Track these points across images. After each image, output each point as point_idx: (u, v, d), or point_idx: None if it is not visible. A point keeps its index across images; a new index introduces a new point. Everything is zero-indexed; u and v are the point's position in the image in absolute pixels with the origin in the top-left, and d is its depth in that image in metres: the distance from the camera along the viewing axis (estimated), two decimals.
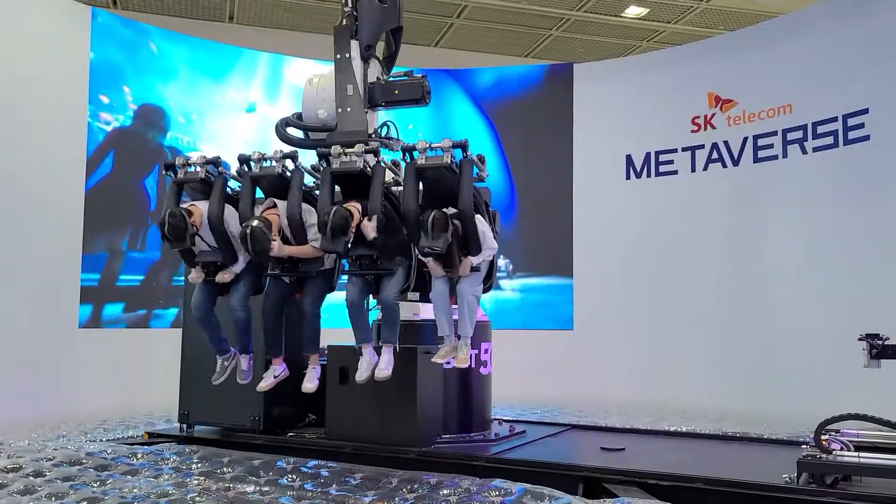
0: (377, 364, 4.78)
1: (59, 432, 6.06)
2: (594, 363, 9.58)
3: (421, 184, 4.73)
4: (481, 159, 4.86)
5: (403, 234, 4.77)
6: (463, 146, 4.62)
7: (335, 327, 9.61)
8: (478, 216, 4.76)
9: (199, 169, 4.93)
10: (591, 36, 11.37)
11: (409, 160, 4.68)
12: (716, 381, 8.72)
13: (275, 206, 4.89)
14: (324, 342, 5.74)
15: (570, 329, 10.08)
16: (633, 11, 10.66)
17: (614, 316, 9.70)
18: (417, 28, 11.20)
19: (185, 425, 5.82)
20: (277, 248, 4.62)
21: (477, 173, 4.78)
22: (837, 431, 4.20)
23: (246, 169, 4.95)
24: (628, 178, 10.03)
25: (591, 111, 10.29)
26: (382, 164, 4.84)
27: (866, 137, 7.78)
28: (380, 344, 4.90)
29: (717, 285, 8.99)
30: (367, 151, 4.75)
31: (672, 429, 6.35)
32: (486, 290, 5.28)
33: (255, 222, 4.52)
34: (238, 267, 4.89)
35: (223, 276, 4.84)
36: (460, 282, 4.76)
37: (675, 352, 9.16)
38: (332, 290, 5.17)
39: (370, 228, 4.46)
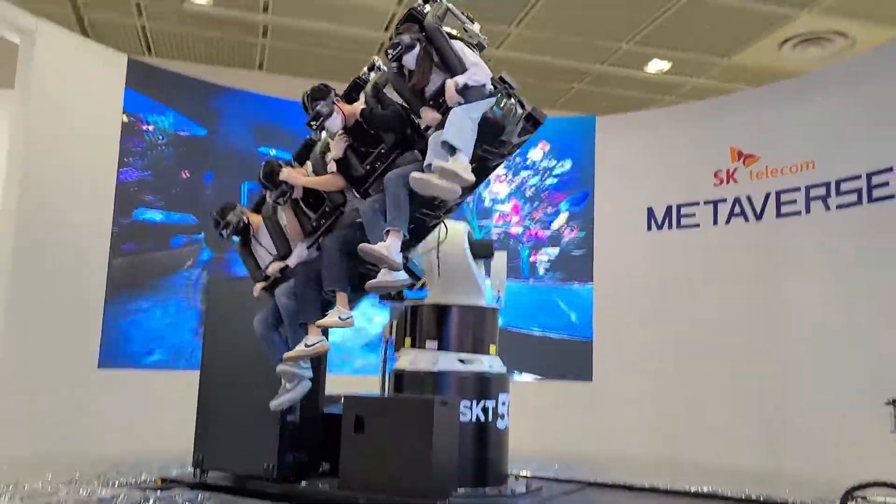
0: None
1: (72, 475, 6.04)
2: (613, 417, 9.44)
3: None
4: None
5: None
6: None
7: (348, 373, 9.68)
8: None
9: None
10: (614, 89, 11.49)
11: None
12: (737, 439, 8.53)
13: None
14: (339, 389, 5.75)
15: (589, 381, 9.95)
16: (655, 66, 10.78)
17: (634, 368, 9.57)
18: None
19: (198, 470, 5.79)
20: (286, 172, 4.77)
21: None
22: (864, 498, 4.08)
23: None
24: (649, 229, 10.01)
25: (613, 163, 10.33)
26: None
27: (891, 196, 7.72)
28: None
29: (739, 341, 8.85)
30: None
31: (693, 489, 6.20)
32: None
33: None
34: (292, 261, 4.87)
35: (273, 268, 4.86)
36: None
37: (695, 408, 9.00)
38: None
39: None
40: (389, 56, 4.37)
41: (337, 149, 4.63)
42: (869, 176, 7.95)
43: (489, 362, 5.66)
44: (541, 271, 10.51)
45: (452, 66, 4.26)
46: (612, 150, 10.35)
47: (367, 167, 4.57)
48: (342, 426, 5.20)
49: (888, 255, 7.64)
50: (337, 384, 6.15)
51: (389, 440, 4.92)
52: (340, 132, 4.66)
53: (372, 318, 9.66)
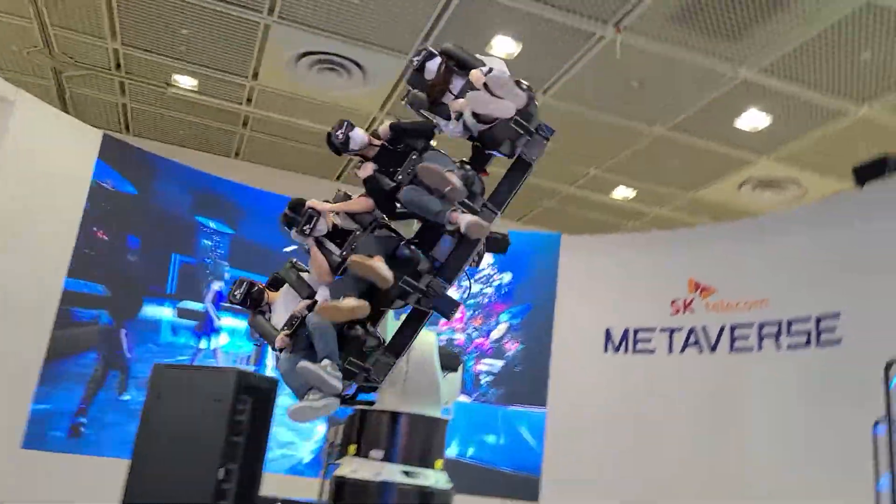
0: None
1: None
2: None
3: None
4: None
5: None
6: None
7: (289, 473, 9.32)
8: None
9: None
10: (581, 210, 11.83)
11: None
12: None
13: None
14: (277, 490, 5.53)
15: (535, 502, 9.69)
16: (621, 193, 11.17)
17: (583, 489, 9.37)
18: None
19: None
20: (313, 202, 4.58)
21: None
22: None
23: None
24: (606, 351, 10.07)
25: (575, 282, 10.49)
26: None
27: (838, 341, 7.93)
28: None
29: (689, 470, 8.77)
30: None
31: None
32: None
33: None
34: (319, 296, 4.62)
35: (301, 305, 4.57)
36: None
37: None
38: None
39: None
40: (414, 62, 4.65)
41: (365, 170, 4.71)
42: (818, 319, 8.18)
43: (435, 477, 5.49)
44: (483, 384, 10.41)
45: (472, 65, 4.59)
46: (575, 269, 10.54)
47: (397, 179, 4.63)
48: None
49: (832, 397, 7.74)
50: (276, 484, 5.91)
51: None
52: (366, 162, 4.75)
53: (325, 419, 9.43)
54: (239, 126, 10.48)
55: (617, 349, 9.99)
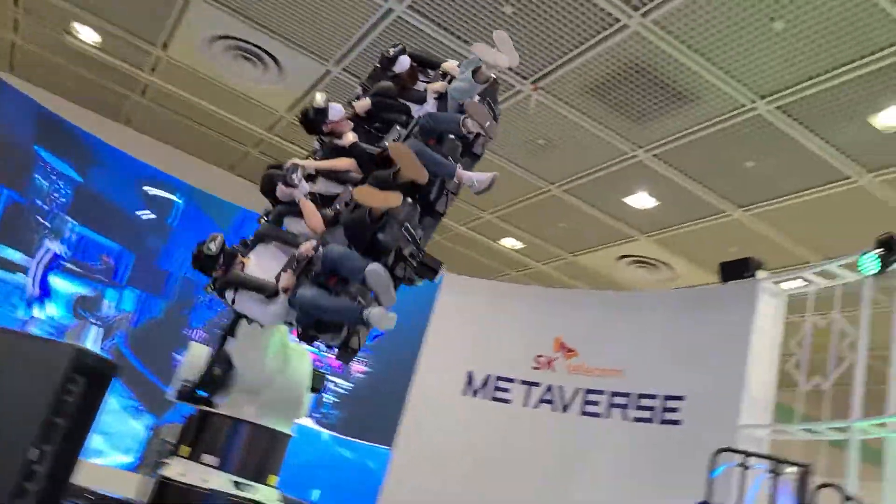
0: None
1: None
2: None
3: None
4: None
5: None
6: None
7: (112, 465, 8.73)
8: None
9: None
10: (468, 251, 11.99)
11: None
12: None
13: None
14: (95, 481, 5.16)
15: None
16: (509, 242, 11.44)
17: None
18: None
19: None
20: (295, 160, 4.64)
21: None
22: None
23: None
24: (465, 394, 10.13)
25: (448, 319, 10.55)
26: None
27: (678, 422, 8.36)
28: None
29: None
30: None
31: None
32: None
33: None
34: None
35: (307, 245, 4.41)
36: None
37: None
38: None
39: None
40: (390, 53, 5.11)
41: (347, 139, 4.87)
42: (664, 398, 8.60)
43: (267, 493, 5.28)
44: (326, 404, 10.19)
45: (438, 62, 5.25)
46: (450, 307, 10.61)
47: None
48: None
49: (669, 476, 8.11)
50: (96, 476, 5.50)
51: None
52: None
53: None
54: (136, 93, 9.95)
55: (475, 394, 10.08)
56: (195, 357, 4.95)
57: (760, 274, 8.33)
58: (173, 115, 10.28)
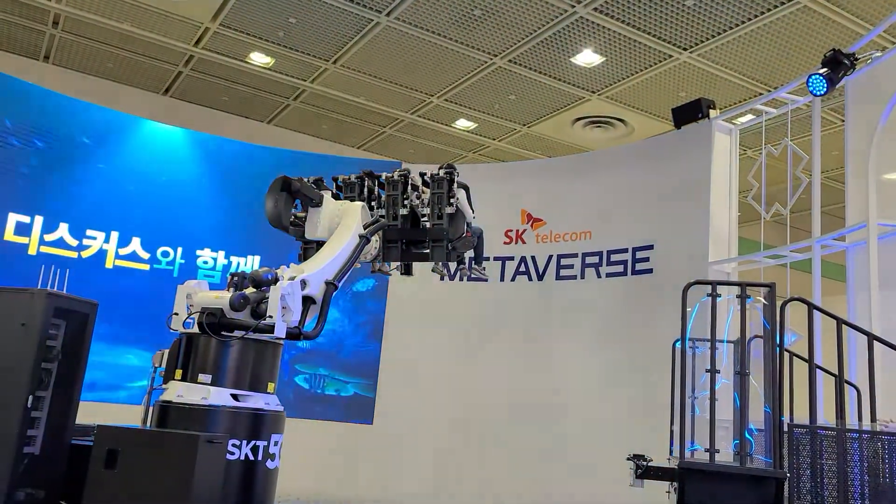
0: None
1: None
2: (393, 459, 9.48)
3: None
4: None
5: None
6: None
7: (111, 401, 8.86)
8: None
9: None
10: (422, 139, 11.88)
11: None
12: (506, 481, 8.91)
13: None
14: (92, 419, 5.24)
15: (369, 423, 9.92)
16: (462, 124, 11.32)
17: (415, 410, 9.69)
18: (253, 104, 11.10)
19: None
20: None
21: None
22: None
23: None
24: (442, 280, 10.30)
25: None
26: None
27: (650, 270, 8.64)
28: None
29: (514, 389, 9.31)
30: None
31: None
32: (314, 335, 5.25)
33: None
34: None
35: None
36: None
37: (471, 448, 9.30)
38: None
39: None
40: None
41: None
42: (634, 250, 8.84)
43: (265, 399, 5.42)
44: None
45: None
46: None
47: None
48: (91, 460, 4.69)
49: (643, 321, 8.48)
50: (95, 413, 5.58)
51: (145, 478, 4.50)
52: None
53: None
54: (48, 25, 9.37)
55: (452, 277, 10.25)
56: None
57: (713, 114, 8.39)
58: (95, 45, 9.75)
